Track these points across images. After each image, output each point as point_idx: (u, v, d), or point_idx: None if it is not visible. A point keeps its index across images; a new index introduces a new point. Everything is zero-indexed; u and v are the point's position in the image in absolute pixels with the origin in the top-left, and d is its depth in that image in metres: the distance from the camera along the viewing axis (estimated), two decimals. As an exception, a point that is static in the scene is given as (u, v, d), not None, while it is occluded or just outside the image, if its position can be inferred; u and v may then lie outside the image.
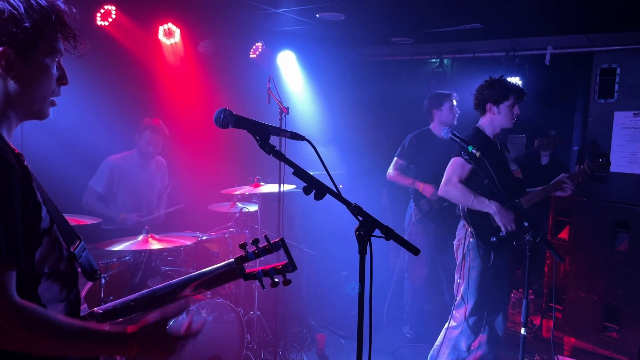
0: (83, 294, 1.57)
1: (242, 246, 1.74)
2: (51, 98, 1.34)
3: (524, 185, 3.43)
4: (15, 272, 1.15)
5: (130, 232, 3.57)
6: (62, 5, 1.30)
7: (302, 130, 1.67)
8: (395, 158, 4.51)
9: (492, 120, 3.37)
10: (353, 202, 1.62)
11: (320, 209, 4.45)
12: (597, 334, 4.11)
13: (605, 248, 4.11)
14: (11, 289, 1.13)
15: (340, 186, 4.17)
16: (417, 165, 4.45)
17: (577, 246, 4.30)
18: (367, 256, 1.59)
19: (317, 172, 1.84)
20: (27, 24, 1.22)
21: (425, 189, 4.30)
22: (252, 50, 5.38)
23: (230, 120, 1.58)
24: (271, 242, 1.73)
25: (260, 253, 1.75)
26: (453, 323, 3.42)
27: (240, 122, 1.59)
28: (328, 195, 1.62)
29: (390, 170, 4.51)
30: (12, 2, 1.21)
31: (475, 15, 4.32)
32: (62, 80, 1.35)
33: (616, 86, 4.15)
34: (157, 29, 4.57)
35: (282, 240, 1.73)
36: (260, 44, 5.37)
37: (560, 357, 4.10)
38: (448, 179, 3.27)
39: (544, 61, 4.94)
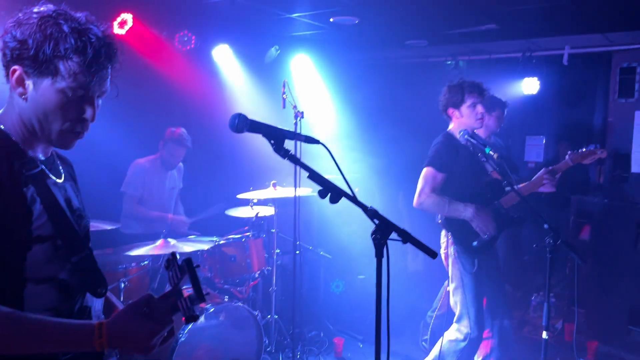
0: (100, 305, 1.54)
1: (167, 268, 1.40)
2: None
3: (502, 186, 3.33)
4: None
5: (148, 237, 3.60)
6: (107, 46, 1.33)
7: (317, 134, 1.66)
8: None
9: (459, 124, 3.33)
10: (369, 205, 1.61)
11: (337, 212, 4.45)
12: (621, 338, 4.03)
13: (628, 250, 4.03)
14: None
15: (357, 189, 4.15)
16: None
17: (599, 248, 4.22)
18: (384, 260, 1.58)
19: (332, 175, 1.84)
20: (40, 54, 1.25)
21: None
22: (266, 55, 5.40)
23: (244, 125, 1.58)
24: (178, 264, 1.36)
25: (171, 278, 1.37)
26: (459, 336, 3.30)
27: (255, 127, 1.59)
28: (344, 199, 1.61)
29: None
30: (46, 31, 1.25)
31: (490, 15, 4.28)
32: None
33: (636, 85, 4.09)
34: (174, 35, 4.62)
35: (186, 261, 1.34)
36: (275, 49, 5.39)
37: (583, 361, 4.03)
38: (421, 190, 3.20)
39: (562, 61, 4.87)
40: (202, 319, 3.24)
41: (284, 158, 1.59)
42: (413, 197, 3.28)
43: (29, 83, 1.28)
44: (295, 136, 1.63)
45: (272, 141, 1.59)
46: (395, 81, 6.13)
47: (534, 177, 3.38)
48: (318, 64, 5.79)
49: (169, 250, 3.37)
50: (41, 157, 1.38)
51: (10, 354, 1.20)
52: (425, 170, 3.24)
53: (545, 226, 2.78)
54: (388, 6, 4.08)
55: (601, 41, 4.84)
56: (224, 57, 5.05)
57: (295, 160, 1.61)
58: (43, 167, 1.36)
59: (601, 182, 4.46)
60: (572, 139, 5.98)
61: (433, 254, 1.66)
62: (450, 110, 3.37)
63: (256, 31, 5.04)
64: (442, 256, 3.39)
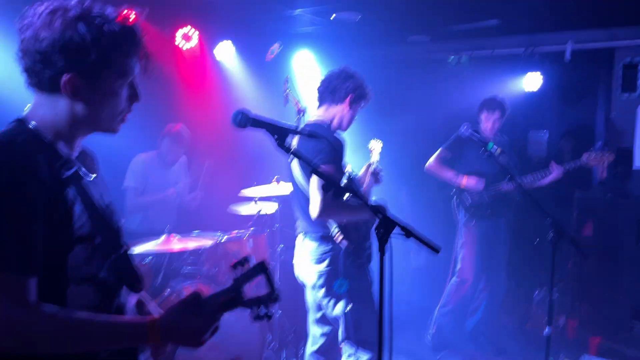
0: (133, 303, 1.55)
1: (234, 268, 1.51)
2: (121, 115, 1.40)
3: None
4: (31, 279, 1.17)
5: (152, 234, 3.61)
6: (136, 29, 1.35)
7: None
8: (440, 149, 4.32)
9: (342, 117, 2.90)
10: (372, 200, 1.61)
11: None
12: (624, 333, 4.03)
13: (631, 245, 4.03)
14: (25, 294, 1.15)
15: (359, 185, 4.04)
16: (462, 161, 4.28)
17: (602, 244, 4.22)
18: (387, 255, 1.59)
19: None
20: (93, 55, 1.26)
21: (470, 181, 4.14)
22: (269, 51, 5.40)
23: (247, 120, 1.59)
24: (251, 266, 1.48)
25: (240, 280, 1.45)
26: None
27: (257, 123, 1.60)
28: (348, 194, 1.62)
29: (431, 160, 4.30)
30: (80, 30, 1.24)
31: (492, 11, 4.27)
32: (133, 99, 1.42)
33: (639, 81, 4.08)
34: (176, 32, 4.63)
35: (262, 264, 1.46)
36: (277, 45, 5.39)
37: (586, 356, 4.03)
38: (323, 196, 2.58)
39: (564, 57, 4.86)
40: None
41: (287, 154, 1.60)
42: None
43: (81, 85, 1.28)
44: (298, 132, 1.63)
45: (275, 137, 1.59)
46: (398, 77, 6.13)
47: (359, 175, 3.16)
48: (320, 60, 5.78)
49: (172, 247, 3.39)
50: (74, 154, 1.39)
51: (66, 352, 1.21)
52: (324, 169, 2.56)
53: (548, 222, 2.78)
54: (390, 2, 4.08)
55: (604, 36, 4.83)
56: (226, 53, 5.06)
57: (298, 155, 1.61)
58: (78, 165, 1.36)
59: (604, 177, 4.45)
60: (574, 135, 5.97)
61: (436, 249, 1.66)
62: (350, 99, 2.87)
63: (259, 27, 5.04)
64: (320, 276, 2.84)
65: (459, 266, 4.37)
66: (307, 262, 2.90)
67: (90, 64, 1.28)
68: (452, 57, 5.66)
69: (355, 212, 2.70)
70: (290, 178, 2.96)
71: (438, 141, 4.57)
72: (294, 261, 3.07)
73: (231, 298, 1.42)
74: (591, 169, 5.49)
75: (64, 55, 1.25)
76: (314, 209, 2.62)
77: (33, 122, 1.31)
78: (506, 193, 4.14)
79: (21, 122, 1.32)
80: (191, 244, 3.50)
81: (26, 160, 1.21)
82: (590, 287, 4.26)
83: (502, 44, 5.33)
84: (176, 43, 4.66)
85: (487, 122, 4.24)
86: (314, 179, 2.63)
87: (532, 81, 5.19)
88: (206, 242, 3.59)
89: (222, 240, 3.81)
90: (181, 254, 3.69)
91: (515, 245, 4.56)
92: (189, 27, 4.65)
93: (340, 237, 2.73)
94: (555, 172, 3.97)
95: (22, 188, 1.18)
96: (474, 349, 4.37)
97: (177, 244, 3.42)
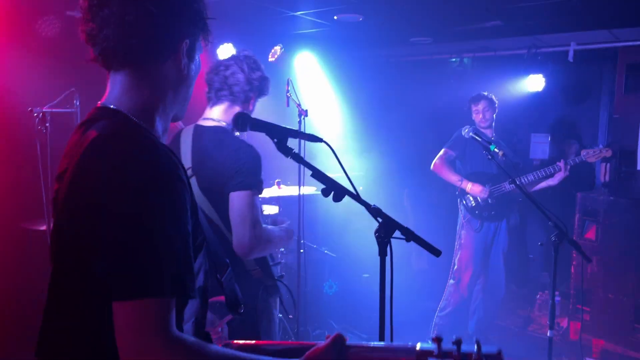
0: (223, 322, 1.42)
1: (438, 340, 1.18)
2: None
3: None
4: (174, 302, 0.97)
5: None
6: None
7: (321, 132, 1.66)
8: (443, 149, 4.32)
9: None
10: (372, 204, 1.60)
11: (341, 211, 4.44)
12: (627, 336, 4.01)
13: (635, 247, 4.01)
14: (170, 324, 0.95)
15: (360, 188, 4.09)
16: (465, 160, 4.29)
17: (604, 246, 4.20)
18: (388, 258, 1.58)
19: (336, 174, 1.83)
20: (202, 6, 1.12)
21: (474, 188, 4.13)
22: (270, 53, 5.40)
23: (247, 123, 1.58)
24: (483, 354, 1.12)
25: None
26: None
27: (258, 125, 1.59)
28: (349, 197, 1.61)
29: (437, 160, 4.27)
30: None
31: (495, 12, 4.26)
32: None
33: (643, 81, 4.07)
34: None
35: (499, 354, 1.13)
36: (279, 47, 5.39)
37: (588, 359, 4.01)
38: (254, 222, 2.06)
39: (567, 58, 4.84)
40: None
41: (287, 156, 1.59)
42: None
43: (193, 54, 1.13)
44: (299, 134, 1.62)
45: (275, 139, 1.58)
46: (400, 79, 6.12)
47: None
48: (322, 62, 5.78)
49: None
50: None
51: None
52: (249, 194, 2.11)
53: (551, 224, 2.76)
54: (392, 3, 4.07)
55: (607, 37, 4.81)
56: (227, 55, 5.05)
57: (298, 158, 1.60)
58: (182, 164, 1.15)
59: (607, 179, 4.43)
60: (577, 136, 5.96)
61: (437, 252, 1.65)
62: (255, 99, 2.47)
63: (260, 29, 5.03)
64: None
65: (455, 267, 4.37)
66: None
67: (200, 22, 1.10)
68: (455, 58, 5.65)
69: (281, 240, 2.37)
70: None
71: (441, 142, 4.57)
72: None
73: None
74: (594, 170, 5.49)
75: (182, 16, 1.07)
76: (245, 242, 2.04)
77: (121, 110, 1.07)
78: (509, 193, 4.14)
79: (118, 113, 1.07)
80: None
81: (172, 164, 0.99)
82: (593, 290, 4.24)
83: (505, 45, 5.31)
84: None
85: (477, 115, 4.28)
86: (242, 203, 2.06)
87: (535, 82, 5.17)
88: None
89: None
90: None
91: (518, 247, 4.55)
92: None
93: (260, 274, 2.29)
94: (562, 169, 3.94)
95: (174, 196, 0.97)
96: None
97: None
